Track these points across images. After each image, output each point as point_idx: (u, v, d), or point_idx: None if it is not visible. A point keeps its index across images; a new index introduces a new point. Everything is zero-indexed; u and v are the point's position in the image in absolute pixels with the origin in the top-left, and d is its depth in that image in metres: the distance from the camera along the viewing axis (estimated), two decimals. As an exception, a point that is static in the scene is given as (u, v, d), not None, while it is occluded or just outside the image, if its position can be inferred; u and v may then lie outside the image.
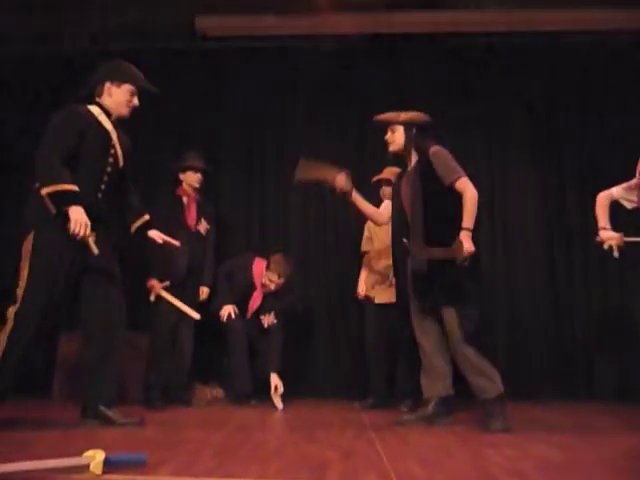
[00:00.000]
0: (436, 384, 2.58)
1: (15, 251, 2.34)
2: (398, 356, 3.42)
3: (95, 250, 2.25)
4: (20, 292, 2.22)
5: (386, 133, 2.76)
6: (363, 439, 2.10)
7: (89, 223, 2.21)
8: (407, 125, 2.69)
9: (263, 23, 4.30)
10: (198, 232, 3.64)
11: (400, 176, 2.82)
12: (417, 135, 2.69)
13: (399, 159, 2.81)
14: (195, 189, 3.67)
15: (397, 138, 2.72)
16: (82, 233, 2.19)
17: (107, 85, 2.44)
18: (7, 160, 4.36)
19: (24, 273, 2.23)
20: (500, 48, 4.50)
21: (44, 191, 2.18)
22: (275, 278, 3.54)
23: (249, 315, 3.64)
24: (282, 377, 3.44)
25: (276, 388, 3.35)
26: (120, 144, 2.46)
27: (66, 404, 3.14)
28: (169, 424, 2.53)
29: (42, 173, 2.22)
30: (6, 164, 4.36)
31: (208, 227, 3.70)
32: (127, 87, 2.45)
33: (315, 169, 2.88)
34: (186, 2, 4.19)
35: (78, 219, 2.17)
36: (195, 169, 3.63)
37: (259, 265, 3.65)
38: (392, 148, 2.76)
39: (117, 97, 2.44)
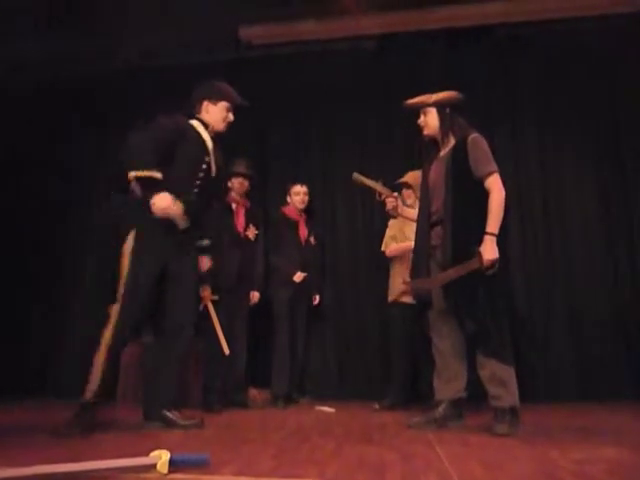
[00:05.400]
0: (448, 386, 2.47)
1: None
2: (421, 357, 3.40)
3: (183, 224, 2.42)
4: (122, 291, 2.33)
5: (419, 118, 2.64)
6: (421, 441, 2.07)
7: (173, 201, 2.33)
8: (440, 106, 2.56)
9: (304, 28, 4.36)
10: (247, 238, 3.71)
11: (430, 160, 2.65)
12: (452, 116, 2.54)
13: (433, 143, 2.64)
14: (242, 195, 3.74)
15: (430, 120, 2.58)
16: (169, 210, 2.32)
17: (205, 103, 2.63)
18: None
19: (125, 272, 2.35)
20: (550, 38, 4.35)
21: (133, 174, 2.29)
22: (298, 189, 3.90)
23: (303, 242, 3.91)
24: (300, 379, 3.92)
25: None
26: (215, 155, 2.60)
27: (130, 407, 3.26)
28: (228, 426, 2.59)
29: (132, 157, 2.32)
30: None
31: (257, 232, 3.76)
32: (223, 104, 2.64)
33: (370, 181, 2.90)
34: (229, 14, 4.30)
35: (163, 198, 2.29)
36: (241, 175, 3.70)
37: (286, 208, 3.94)
38: (426, 132, 2.61)
39: (214, 114, 2.63)
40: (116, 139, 5.08)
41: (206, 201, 2.62)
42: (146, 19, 4.36)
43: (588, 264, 4.04)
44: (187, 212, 2.47)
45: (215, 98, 2.63)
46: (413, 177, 3.51)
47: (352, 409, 3.42)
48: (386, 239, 3.69)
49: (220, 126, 2.64)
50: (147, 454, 1.50)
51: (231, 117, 2.67)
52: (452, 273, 2.33)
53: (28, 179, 4.86)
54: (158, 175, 2.30)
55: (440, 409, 2.47)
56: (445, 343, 2.50)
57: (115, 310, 2.32)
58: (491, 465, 1.59)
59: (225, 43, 4.60)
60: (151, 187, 2.30)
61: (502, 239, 2.33)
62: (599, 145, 4.22)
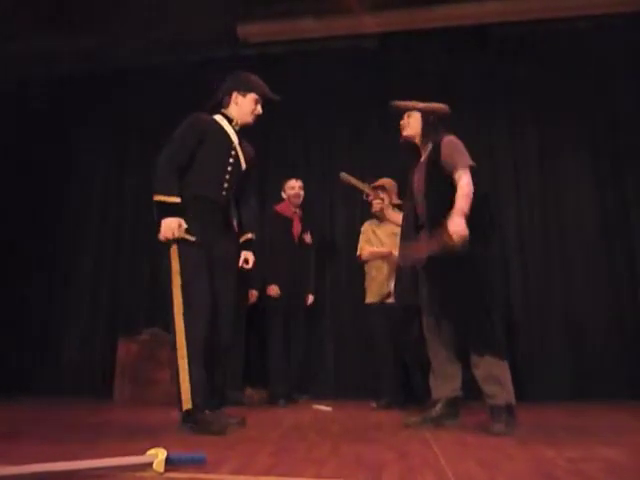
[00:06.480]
0: (444, 385, 2.48)
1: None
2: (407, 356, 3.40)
3: (192, 238, 2.29)
4: (177, 292, 2.24)
5: (402, 119, 2.65)
6: (418, 440, 2.07)
7: (179, 223, 2.26)
8: (425, 113, 2.58)
9: (302, 26, 4.35)
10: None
11: (414, 166, 2.68)
12: (435, 124, 2.56)
13: (412, 150, 2.66)
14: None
15: (412, 123, 2.61)
16: (171, 236, 2.25)
17: (234, 95, 2.57)
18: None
19: (176, 277, 2.26)
20: (550, 38, 4.36)
21: (154, 198, 2.30)
22: (293, 183, 3.93)
23: (296, 239, 3.89)
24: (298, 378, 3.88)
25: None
26: (242, 148, 2.56)
27: (126, 406, 3.25)
28: (225, 424, 2.57)
29: (155, 181, 2.33)
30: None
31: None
32: (252, 96, 2.57)
33: (358, 181, 2.92)
34: (227, 12, 4.30)
35: (166, 225, 2.25)
36: None
37: (280, 205, 3.94)
38: (406, 132, 2.63)
39: (243, 106, 2.57)
40: (115, 138, 5.10)
41: (242, 196, 2.59)
42: (144, 17, 4.36)
43: (586, 264, 4.05)
44: (221, 211, 2.44)
45: (244, 89, 2.56)
46: (388, 182, 3.56)
47: (349, 408, 3.42)
48: (361, 243, 3.72)
49: (248, 118, 2.57)
50: (144, 452, 1.49)
51: (259, 109, 2.59)
52: (430, 245, 2.32)
53: (27, 178, 4.84)
54: (174, 200, 2.29)
55: (437, 408, 2.48)
56: (439, 343, 2.50)
57: (178, 313, 2.21)
58: (487, 464, 1.59)
59: (223, 41, 4.59)
60: (167, 211, 2.27)
61: (486, 242, 2.36)
62: (598, 145, 4.22)
